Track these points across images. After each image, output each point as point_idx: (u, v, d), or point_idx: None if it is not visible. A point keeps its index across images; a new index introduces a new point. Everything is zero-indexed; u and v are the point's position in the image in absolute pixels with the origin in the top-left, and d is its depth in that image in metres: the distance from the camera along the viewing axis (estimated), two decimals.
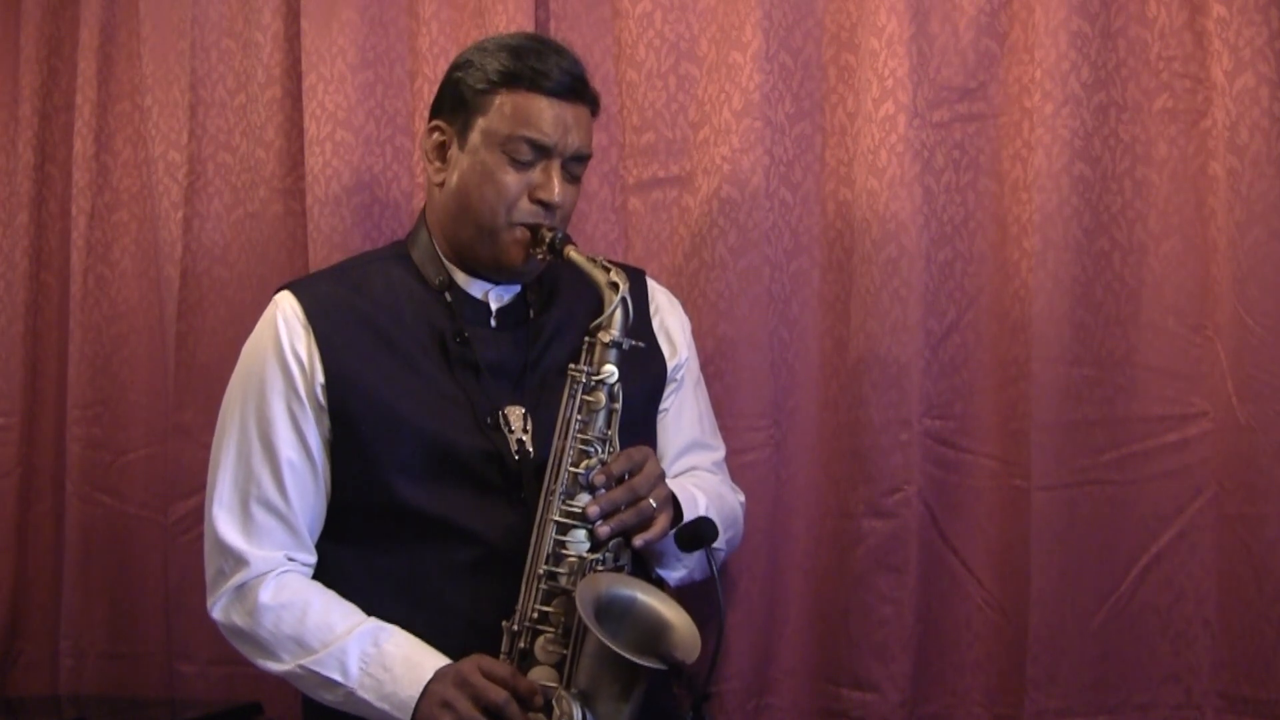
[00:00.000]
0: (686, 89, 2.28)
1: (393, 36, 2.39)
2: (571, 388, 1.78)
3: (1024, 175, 2.11)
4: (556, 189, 1.83)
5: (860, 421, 2.16)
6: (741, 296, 2.20)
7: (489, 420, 1.83)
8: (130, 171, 2.60)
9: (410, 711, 1.69)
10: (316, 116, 2.35)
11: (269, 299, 1.90)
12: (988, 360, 2.16)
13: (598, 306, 1.81)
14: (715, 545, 1.90)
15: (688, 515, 1.85)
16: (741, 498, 2.08)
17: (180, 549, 2.45)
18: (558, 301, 1.93)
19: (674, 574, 1.91)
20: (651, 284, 2.05)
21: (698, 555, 1.87)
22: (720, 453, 2.08)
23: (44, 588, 2.64)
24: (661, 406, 1.99)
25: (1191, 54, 2.04)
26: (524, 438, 1.83)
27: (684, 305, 2.11)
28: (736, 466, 2.13)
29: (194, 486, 2.41)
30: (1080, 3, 2.05)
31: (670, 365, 1.99)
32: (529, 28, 2.30)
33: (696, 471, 2.01)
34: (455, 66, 1.91)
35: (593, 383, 1.77)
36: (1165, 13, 2.05)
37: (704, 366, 2.12)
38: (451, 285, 1.89)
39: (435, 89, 2.33)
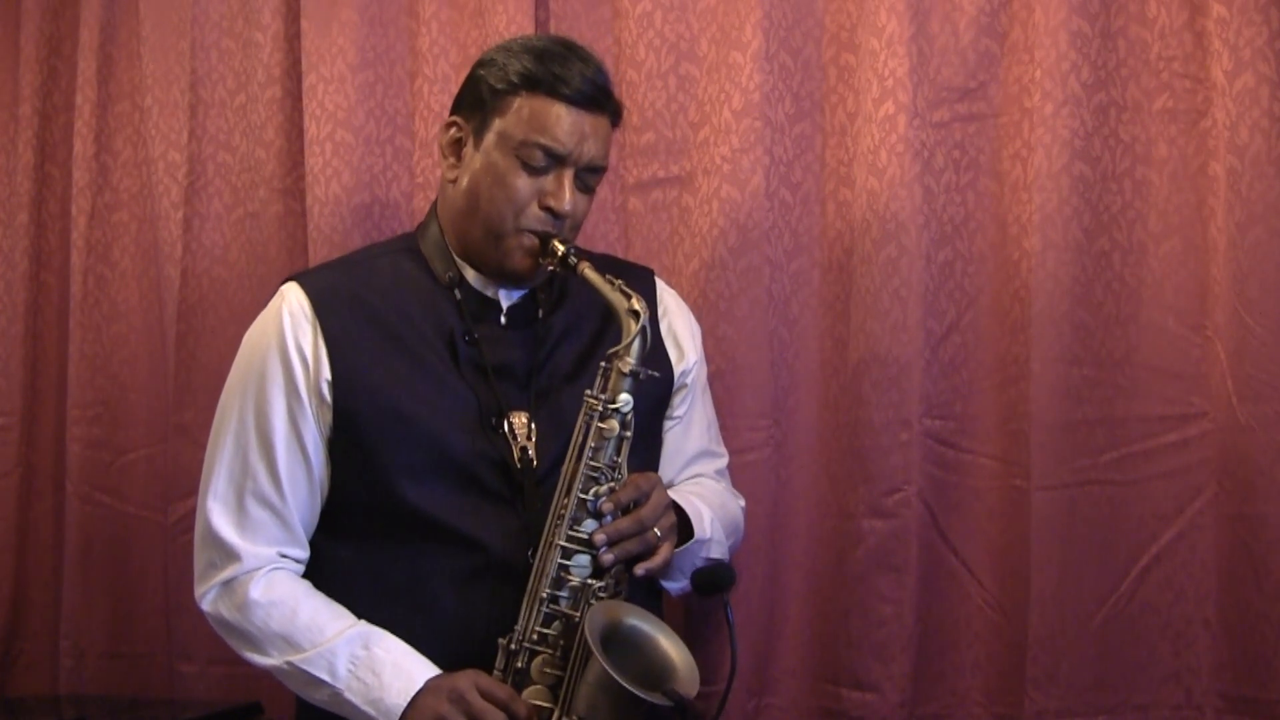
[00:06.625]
0: (686, 89, 2.28)
1: (393, 36, 2.39)
2: (586, 415, 1.76)
3: (1024, 175, 2.11)
4: (567, 198, 1.80)
5: (860, 421, 2.16)
6: (741, 296, 2.20)
7: (494, 423, 1.82)
8: (130, 171, 2.60)
9: (396, 718, 1.69)
10: (316, 116, 2.35)
11: (269, 299, 1.90)
12: (988, 360, 2.16)
13: (608, 312, 1.81)
14: (717, 556, 1.91)
15: (695, 531, 1.85)
16: (742, 502, 2.07)
17: (180, 549, 2.44)
18: (567, 302, 1.91)
19: (675, 585, 1.91)
20: (660, 286, 2.03)
21: (700, 564, 1.87)
22: (724, 460, 2.08)
23: (44, 588, 2.64)
24: (674, 414, 1.98)
25: (1191, 54, 2.04)
26: (527, 445, 1.82)
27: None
28: (737, 466, 2.13)
29: (194, 487, 2.35)
30: (1080, 3, 2.05)
31: (677, 371, 1.97)
32: (529, 28, 2.30)
33: (700, 479, 2.00)
34: (479, 64, 1.88)
35: (608, 411, 1.75)
36: (1165, 13, 2.05)
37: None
38: (461, 282, 1.87)
39: (435, 89, 2.37)
